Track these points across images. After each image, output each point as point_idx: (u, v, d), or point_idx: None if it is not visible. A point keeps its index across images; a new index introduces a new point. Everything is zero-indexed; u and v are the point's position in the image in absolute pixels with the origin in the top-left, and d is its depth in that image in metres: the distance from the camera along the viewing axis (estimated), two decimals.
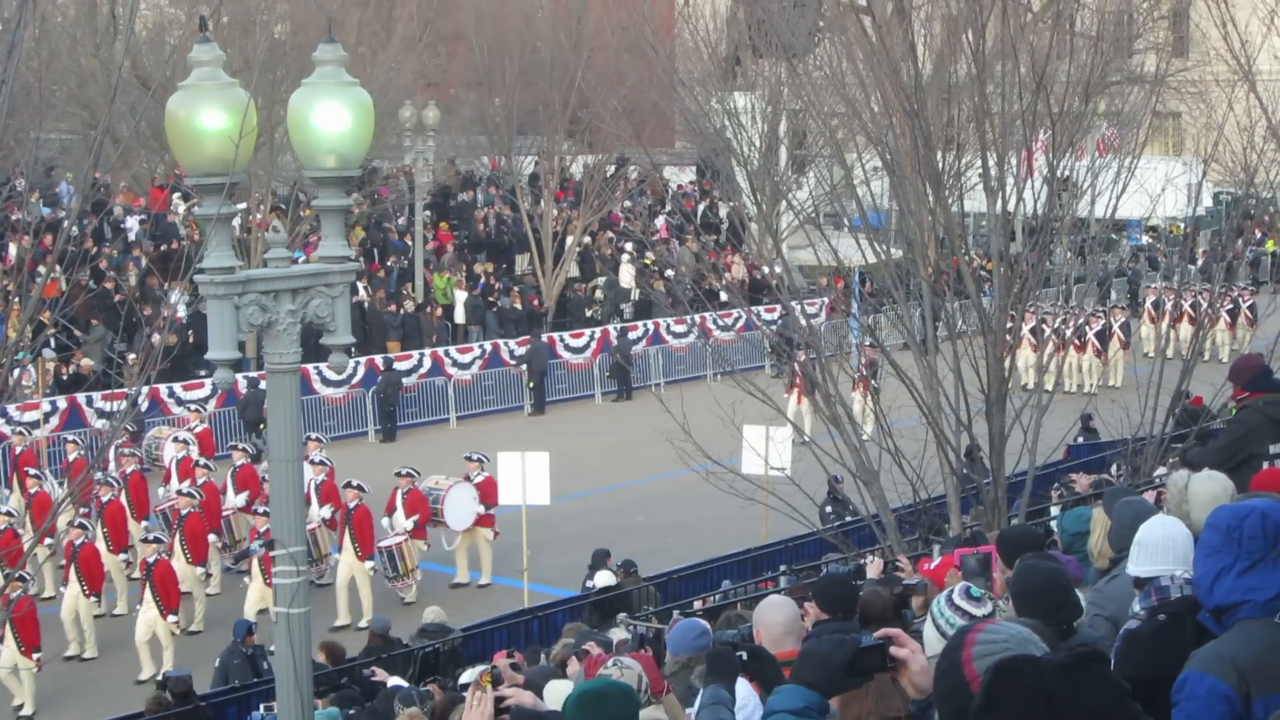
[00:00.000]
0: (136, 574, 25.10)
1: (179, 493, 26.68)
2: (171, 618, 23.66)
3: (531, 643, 21.39)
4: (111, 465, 28.19)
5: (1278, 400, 12.45)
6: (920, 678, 4.99)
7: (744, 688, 7.22)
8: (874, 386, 32.99)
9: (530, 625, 22.42)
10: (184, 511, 25.80)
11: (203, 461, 28.46)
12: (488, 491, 27.68)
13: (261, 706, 17.65)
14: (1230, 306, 46.30)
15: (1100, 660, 4.09)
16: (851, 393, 33.87)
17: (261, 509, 25.25)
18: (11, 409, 32.58)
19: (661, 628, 16.31)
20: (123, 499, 26.97)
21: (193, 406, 34.41)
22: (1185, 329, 46.47)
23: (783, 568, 22.38)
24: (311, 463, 27.44)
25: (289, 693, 9.60)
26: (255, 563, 24.47)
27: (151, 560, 23.66)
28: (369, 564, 25.82)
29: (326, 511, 26.48)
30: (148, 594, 23.62)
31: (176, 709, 18.38)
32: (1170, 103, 46.48)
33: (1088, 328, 39.89)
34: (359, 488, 25.86)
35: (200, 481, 27.45)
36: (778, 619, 8.14)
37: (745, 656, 7.19)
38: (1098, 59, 20.43)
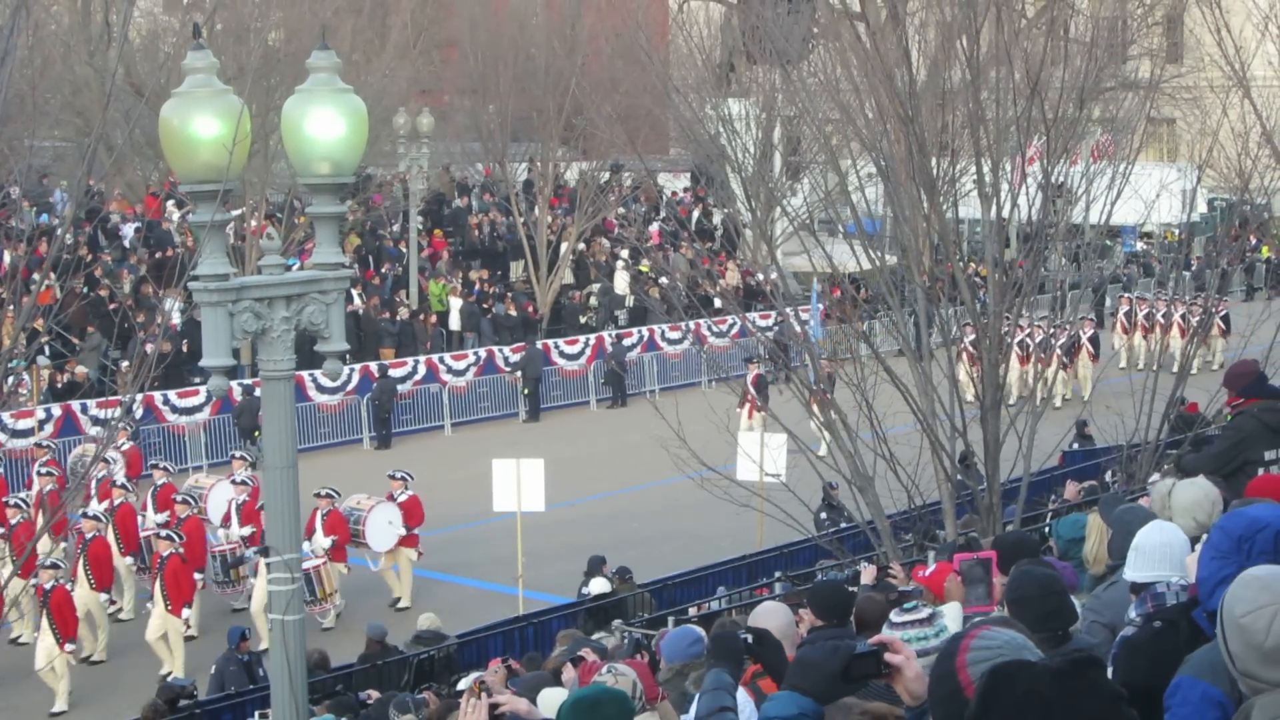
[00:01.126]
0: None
1: (84, 515, 24.99)
2: (69, 646, 22.64)
3: (527, 649, 21.38)
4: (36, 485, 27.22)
5: (1272, 406, 12.40)
6: (915, 684, 4.98)
7: (740, 694, 7.21)
8: (831, 399, 33.08)
9: (525, 632, 22.40)
10: (89, 535, 24.46)
11: (120, 482, 26.87)
12: (411, 511, 27.13)
13: (256, 715, 17.65)
14: (1202, 316, 45.47)
15: (1096, 666, 4.08)
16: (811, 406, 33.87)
17: (164, 533, 24.28)
18: (6, 416, 32.56)
19: (654, 634, 16.30)
20: (39, 521, 25.01)
21: (120, 425, 33.18)
22: (1158, 338, 45.92)
23: (778, 574, 22.37)
24: (234, 482, 26.86)
25: (284, 699, 9.59)
26: (158, 588, 23.51)
27: (49, 587, 22.53)
28: None
29: (247, 530, 25.89)
30: (44, 622, 22.72)
31: (171, 717, 18.37)
32: (1165, 109, 46.46)
33: (1052, 340, 38.61)
34: None
35: (117, 502, 26.22)
36: (772, 625, 8.14)
37: (750, 640, 7.16)
38: (1092, 65, 20.44)
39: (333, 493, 26.53)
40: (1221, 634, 4.67)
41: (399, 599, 27.11)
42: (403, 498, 27.22)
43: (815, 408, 20.23)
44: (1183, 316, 44.99)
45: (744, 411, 34.81)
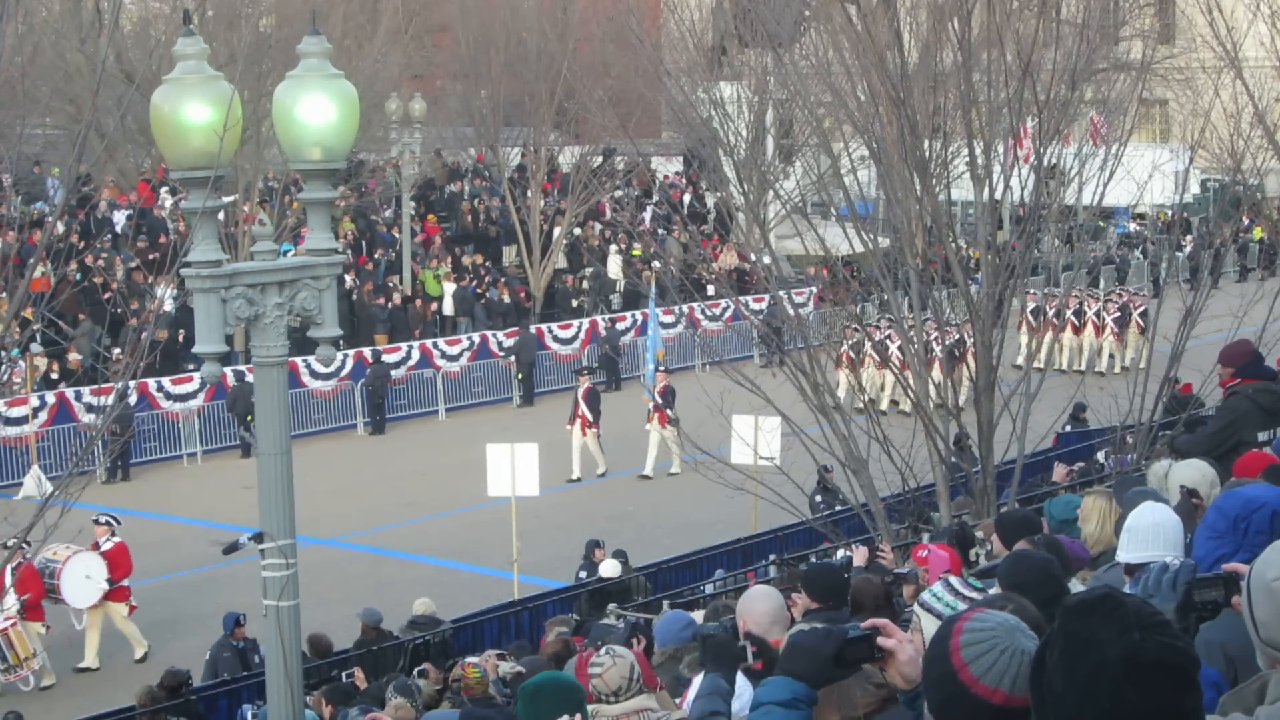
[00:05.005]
0: None
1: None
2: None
3: (522, 633, 21.42)
4: None
5: (1267, 388, 12.34)
6: (908, 668, 4.97)
7: (740, 679, 7.20)
8: (672, 417, 32.77)
9: (520, 616, 22.41)
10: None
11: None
12: (117, 562, 23.64)
13: (250, 709, 17.65)
14: (1118, 314, 44.37)
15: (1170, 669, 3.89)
16: (646, 425, 33.43)
17: None
18: (0, 404, 32.54)
19: (652, 618, 16.31)
20: None
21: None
22: (1069, 338, 44.45)
23: (772, 557, 22.38)
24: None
25: (279, 686, 9.59)
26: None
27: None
28: None
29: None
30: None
31: (167, 702, 18.38)
32: (1157, 90, 46.38)
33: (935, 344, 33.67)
34: None
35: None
36: (764, 609, 8.13)
37: (751, 652, 6.99)
38: (1084, 46, 20.40)
39: (22, 543, 23.55)
40: (1248, 601, 4.62)
41: (83, 663, 23.84)
42: (108, 545, 23.77)
43: (809, 389, 20.16)
44: (1097, 314, 44.38)
45: (574, 428, 34.21)
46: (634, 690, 8.33)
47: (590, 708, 8.18)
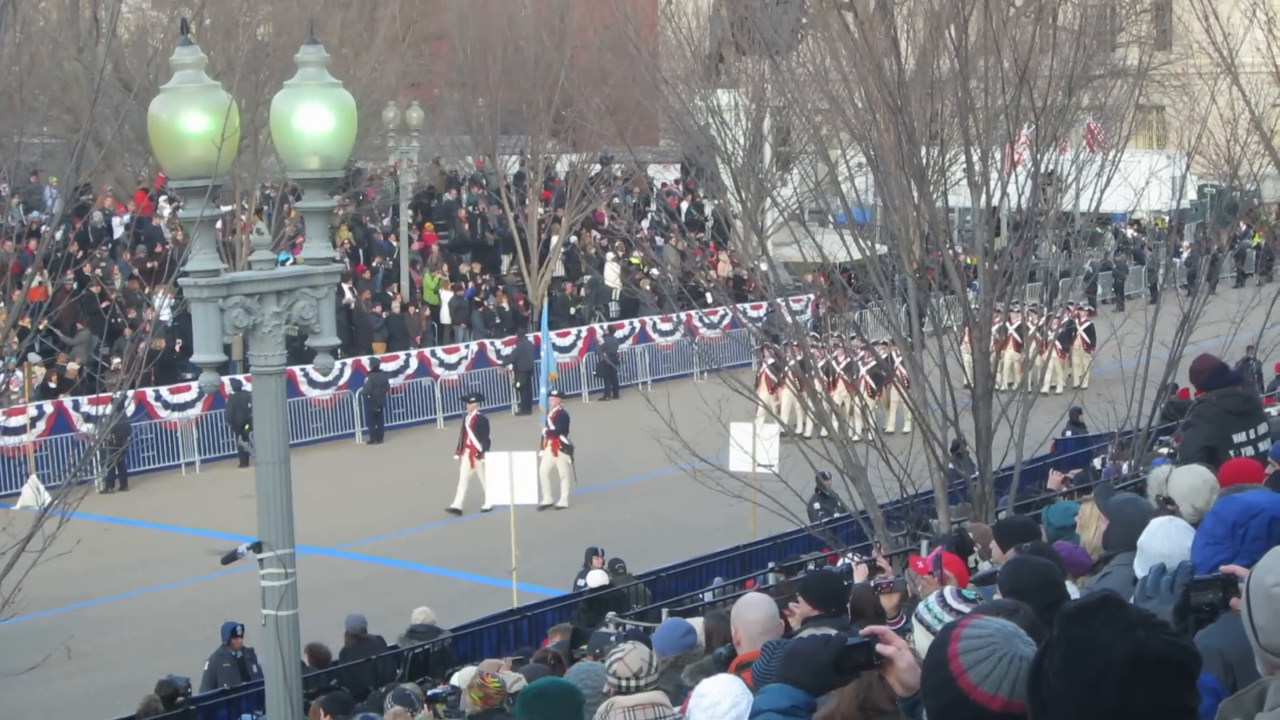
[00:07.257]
0: None
1: None
2: None
3: (522, 642, 21.39)
4: None
5: (1231, 392, 12.95)
6: (907, 675, 4.98)
7: (737, 685, 7.20)
8: (565, 443, 32.28)
9: (519, 625, 22.40)
10: None
11: None
12: None
13: (250, 716, 17.65)
14: (1062, 330, 40.73)
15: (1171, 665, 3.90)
16: (540, 451, 32.65)
17: None
18: None
19: (651, 626, 16.31)
20: None
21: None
22: (1010, 355, 42.80)
23: (771, 564, 22.38)
24: None
25: (278, 695, 9.59)
26: None
27: None
28: None
29: None
30: None
31: (166, 713, 18.37)
32: (1154, 96, 46.44)
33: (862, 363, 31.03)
34: None
35: None
36: (756, 617, 8.15)
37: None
38: (1080, 53, 20.44)
39: None
40: (1247, 607, 4.62)
41: None
42: None
43: (808, 396, 20.19)
44: (1039, 329, 42.78)
45: (463, 457, 32.46)
46: (653, 676, 8.37)
47: (604, 704, 8.22)
